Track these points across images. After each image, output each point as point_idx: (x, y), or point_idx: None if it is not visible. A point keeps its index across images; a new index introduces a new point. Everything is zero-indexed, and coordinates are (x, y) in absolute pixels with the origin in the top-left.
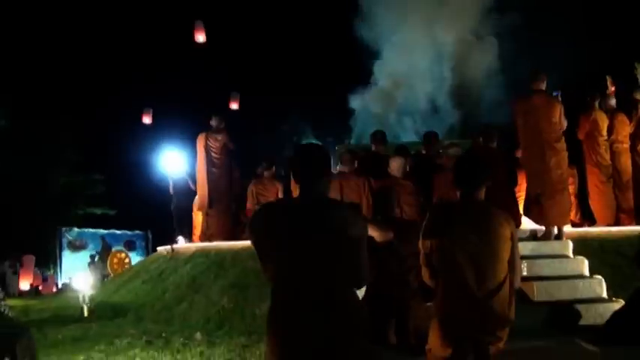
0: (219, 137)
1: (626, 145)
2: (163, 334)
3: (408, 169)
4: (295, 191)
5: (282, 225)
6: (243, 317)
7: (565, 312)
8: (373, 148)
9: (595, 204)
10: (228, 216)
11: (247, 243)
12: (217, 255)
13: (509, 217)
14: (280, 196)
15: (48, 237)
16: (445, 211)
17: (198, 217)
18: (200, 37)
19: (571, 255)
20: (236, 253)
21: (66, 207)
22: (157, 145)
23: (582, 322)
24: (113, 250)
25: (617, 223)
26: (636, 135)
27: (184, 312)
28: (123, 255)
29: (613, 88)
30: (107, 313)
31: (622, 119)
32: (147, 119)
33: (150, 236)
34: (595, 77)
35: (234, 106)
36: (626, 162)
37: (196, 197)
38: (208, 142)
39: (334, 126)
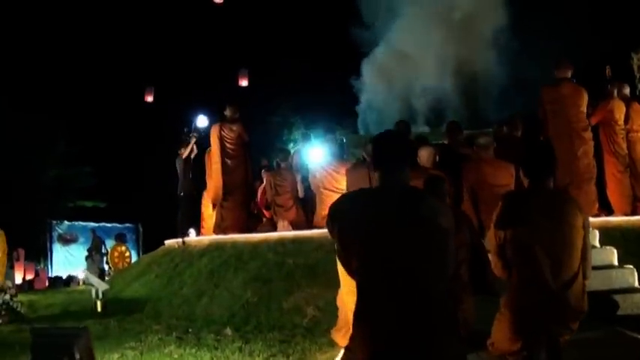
0: (235, 127)
1: None
2: (190, 330)
3: (437, 160)
4: (332, 181)
5: (371, 215)
6: (269, 311)
7: (603, 302)
8: None
9: (612, 193)
10: (243, 208)
11: (265, 235)
12: (234, 248)
13: (580, 204)
14: (299, 187)
15: (38, 230)
16: (519, 202)
17: (208, 210)
18: None
19: (598, 245)
20: (254, 246)
21: (56, 199)
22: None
23: (620, 312)
24: (114, 243)
25: (634, 212)
26: None
27: (206, 307)
28: (123, 248)
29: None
30: (122, 309)
31: (637, 108)
32: (149, 97)
33: (141, 229)
34: (594, 67)
35: (243, 82)
36: None
37: (206, 189)
38: (223, 133)
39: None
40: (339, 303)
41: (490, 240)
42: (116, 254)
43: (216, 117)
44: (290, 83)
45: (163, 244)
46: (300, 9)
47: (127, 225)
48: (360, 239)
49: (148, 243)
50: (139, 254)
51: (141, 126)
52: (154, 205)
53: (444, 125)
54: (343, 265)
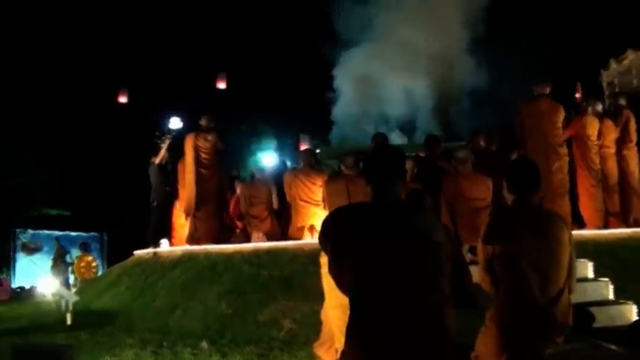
0: (210, 137)
1: (613, 150)
2: (164, 344)
3: (415, 172)
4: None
5: (366, 229)
6: (245, 324)
7: (580, 315)
8: None
9: (585, 207)
10: (216, 219)
11: (239, 246)
12: (207, 259)
13: (566, 220)
14: (274, 198)
15: (1, 239)
16: (506, 218)
17: (179, 220)
18: None
19: None
20: (228, 257)
21: (20, 208)
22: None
23: (596, 324)
24: (79, 253)
25: (606, 226)
26: (622, 140)
27: (180, 319)
28: (90, 258)
29: (578, 95)
30: (93, 321)
31: (609, 124)
32: (122, 98)
33: (105, 238)
34: (565, 84)
35: (221, 85)
36: (613, 166)
37: (178, 199)
38: (197, 142)
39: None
40: (322, 317)
41: (478, 255)
42: (83, 264)
43: (191, 121)
44: (260, 91)
45: (132, 254)
46: (274, 19)
47: (92, 234)
48: (355, 254)
49: (113, 253)
50: (103, 264)
51: (109, 132)
52: (120, 214)
53: (414, 137)
54: (335, 279)
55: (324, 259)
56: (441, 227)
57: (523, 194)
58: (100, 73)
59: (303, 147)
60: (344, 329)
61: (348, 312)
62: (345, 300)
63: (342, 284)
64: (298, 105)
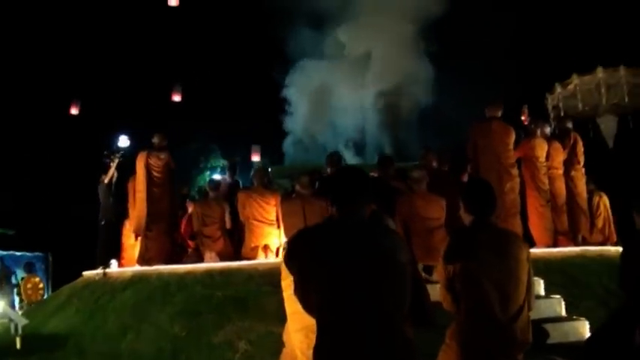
0: (162, 156)
1: (561, 171)
2: None
3: None
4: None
5: (332, 249)
6: (199, 347)
7: (534, 331)
8: (329, 170)
9: (535, 226)
10: (168, 238)
11: (192, 267)
12: (159, 280)
13: (521, 238)
14: (227, 217)
15: None
16: (466, 237)
17: (129, 239)
18: None
19: None
20: (181, 278)
21: None
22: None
23: (550, 340)
24: (25, 274)
25: (555, 245)
26: (569, 161)
27: (132, 343)
28: (37, 280)
29: (523, 118)
30: (43, 345)
31: (557, 146)
32: (74, 110)
33: (50, 258)
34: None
35: (176, 98)
36: (561, 187)
37: (128, 218)
38: (150, 161)
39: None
40: (285, 338)
41: (439, 274)
42: (29, 286)
43: (143, 136)
44: (210, 109)
45: (81, 275)
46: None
47: (37, 254)
48: (323, 274)
49: (58, 273)
50: (48, 285)
51: (55, 149)
52: (65, 233)
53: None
54: (301, 301)
55: (285, 282)
56: (406, 247)
57: (481, 215)
58: (50, 86)
59: (255, 157)
60: (307, 352)
61: (311, 335)
62: (308, 322)
63: (308, 305)
64: (248, 124)
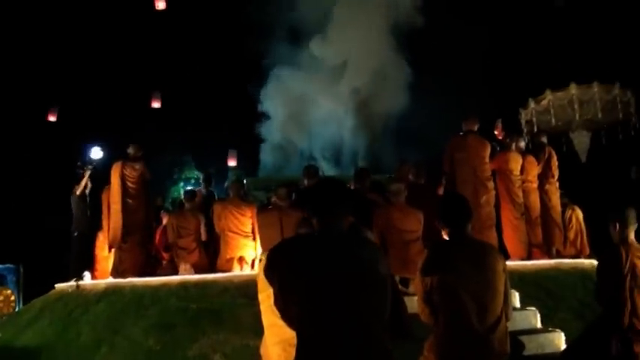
0: (137, 166)
1: (535, 185)
2: None
3: None
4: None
5: (313, 262)
6: None
7: (511, 343)
8: (306, 182)
9: (509, 239)
10: (142, 250)
11: (166, 279)
12: (133, 292)
13: (497, 250)
14: (202, 229)
15: None
16: (443, 250)
17: (102, 251)
18: None
19: None
20: (155, 290)
21: None
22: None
23: (525, 352)
24: None
25: (529, 257)
26: (543, 175)
27: (105, 356)
28: (9, 292)
29: (497, 132)
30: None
31: (531, 160)
32: (52, 117)
33: (22, 270)
34: (486, 122)
35: (155, 104)
36: (536, 200)
37: (101, 229)
38: (124, 172)
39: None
40: (262, 352)
41: (417, 287)
42: (1, 298)
43: (117, 147)
44: (184, 120)
45: (53, 287)
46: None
47: (8, 265)
48: (303, 286)
49: (30, 285)
50: (19, 298)
51: (29, 159)
52: (37, 245)
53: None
54: (281, 312)
55: (262, 295)
56: (385, 259)
57: (458, 227)
58: (23, 94)
59: (232, 162)
60: None
61: (289, 348)
62: (286, 336)
63: (288, 317)
64: (223, 136)
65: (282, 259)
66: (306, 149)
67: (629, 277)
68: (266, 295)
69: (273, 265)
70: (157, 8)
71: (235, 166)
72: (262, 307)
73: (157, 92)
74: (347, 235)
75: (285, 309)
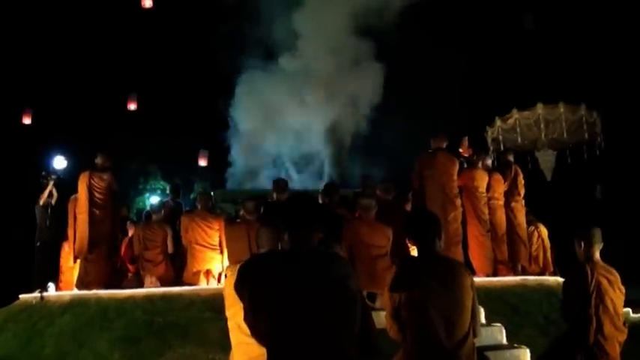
0: (105, 177)
1: (501, 202)
2: None
3: None
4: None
5: (284, 277)
6: None
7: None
8: (275, 196)
9: (475, 255)
10: (108, 262)
11: (132, 291)
12: (98, 305)
13: (465, 266)
14: (169, 241)
15: None
16: (411, 266)
17: (67, 262)
18: None
19: None
20: (120, 303)
21: None
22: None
23: None
24: None
25: (495, 274)
26: (509, 193)
27: None
28: None
29: (461, 150)
30: None
31: (497, 178)
32: (27, 120)
33: None
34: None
35: (132, 106)
36: (502, 217)
37: (66, 240)
38: (92, 181)
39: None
40: None
41: (385, 303)
42: None
43: (84, 154)
44: (149, 129)
45: (18, 298)
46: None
47: None
48: (273, 301)
49: None
50: None
51: None
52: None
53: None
54: (251, 328)
55: (230, 312)
56: (355, 276)
57: (427, 243)
58: None
59: (202, 161)
60: None
61: None
62: (255, 353)
63: (258, 333)
64: (191, 147)
65: (253, 275)
66: (276, 161)
67: (594, 295)
68: (233, 312)
69: (244, 281)
70: (144, 7)
71: (206, 166)
72: (230, 324)
73: (134, 94)
74: (317, 251)
75: (255, 324)
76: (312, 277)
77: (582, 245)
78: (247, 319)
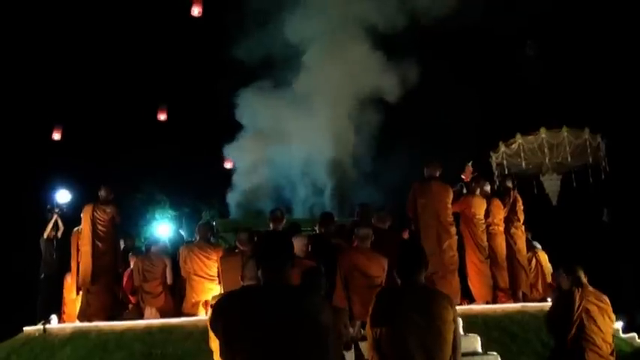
0: (108, 209)
1: (501, 228)
2: None
3: (310, 249)
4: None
5: (255, 312)
6: None
7: None
8: (272, 226)
9: (474, 282)
10: (110, 294)
11: (131, 323)
12: (99, 337)
13: (451, 299)
14: (168, 273)
15: None
16: (392, 298)
17: (70, 294)
18: None
19: (462, 332)
20: (120, 335)
21: None
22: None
23: None
24: None
25: (494, 301)
26: (509, 219)
27: None
28: None
29: (463, 176)
30: None
31: (497, 204)
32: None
33: None
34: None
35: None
36: (501, 243)
37: (70, 272)
38: (95, 214)
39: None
40: None
41: (367, 335)
42: None
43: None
44: (156, 158)
45: (22, 330)
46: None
47: None
48: (245, 336)
49: None
50: None
51: None
52: (5, 286)
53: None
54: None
55: (215, 344)
56: (328, 310)
57: (410, 275)
58: None
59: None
60: None
61: None
62: None
63: None
64: (196, 176)
65: (227, 311)
66: (276, 191)
67: (578, 323)
68: (217, 345)
69: (217, 316)
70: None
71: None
72: (215, 358)
73: (163, 104)
74: (290, 287)
75: (229, 357)
76: (283, 312)
77: (566, 277)
78: (222, 354)
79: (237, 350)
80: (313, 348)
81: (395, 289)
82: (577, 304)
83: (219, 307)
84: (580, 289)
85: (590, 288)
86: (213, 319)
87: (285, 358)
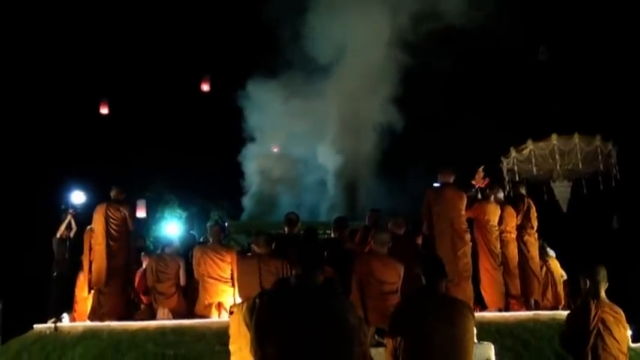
0: (122, 208)
1: (514, 235)
2: None
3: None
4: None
5: (289, 308)
6: None
7: None
8: (286, 230)
9: (486, 289)
10: (123, 294)
11: (144, 324)
12: (111, 336)
13: (471, 307)
14: (182, 274)
15: None
16: (413, 306)
17: (82, 292)
18: None
19: (476, 340)
20: (132, 335)
21: None
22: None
23: None
24: None
25: (507, 309)
26: (522, 226)
27: None
28: None
29: (474, 182)
30: None
31: (510, 211)
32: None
33: (0, 306)
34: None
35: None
36: (514, 251)
37: (82, 270)
38: (109, 213)
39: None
40: None
41: (387, 342)
42: None
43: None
44: (166, 158)
45: (32, 327)
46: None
47: None
48: (277, 330)
49: (8, 323)
50: None
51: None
52: (17, 282)
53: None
54: (254, 354)
55: (234, 346)
56: (355, 312)
57: (431, 283)
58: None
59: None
60: None
61: None
62: None
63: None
64: (207, 177)
65: (264, 305)
66: (289, 195)
67: (594, 332)
68: (237, 347)
69: (252, 310)
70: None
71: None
72: (232, 359)
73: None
74: (321, 288)
75: (260, 353)
76: (315, 310)
77: (587, 283)
78: (252, 346)
79: (269, 342)
80: (340, 344)
81: (416, 297)
82: (593, 314)
83: (256, 302)
84: (596, 301)
85: (606, 300)
86: (247, 313)
87: (314, 352)
